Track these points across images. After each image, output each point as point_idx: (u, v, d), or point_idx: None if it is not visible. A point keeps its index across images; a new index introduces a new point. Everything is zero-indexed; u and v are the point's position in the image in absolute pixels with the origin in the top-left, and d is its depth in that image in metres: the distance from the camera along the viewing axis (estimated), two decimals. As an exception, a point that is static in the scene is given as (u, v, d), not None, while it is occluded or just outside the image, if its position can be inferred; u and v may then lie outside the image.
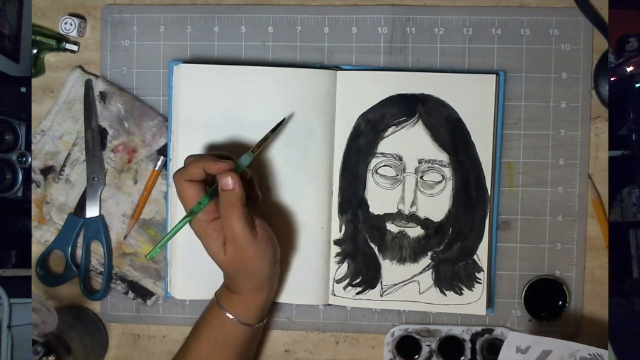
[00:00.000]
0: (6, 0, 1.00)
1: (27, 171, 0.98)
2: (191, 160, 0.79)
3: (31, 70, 0.93)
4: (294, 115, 0.88)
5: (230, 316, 0.82)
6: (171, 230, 0.80)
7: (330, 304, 0.91)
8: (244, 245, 0.77)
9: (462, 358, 0.91)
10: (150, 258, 0.82)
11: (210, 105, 0.88)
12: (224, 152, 0.81)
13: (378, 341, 0.92)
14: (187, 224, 0.79)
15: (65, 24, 0.91)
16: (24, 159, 1.00)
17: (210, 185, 0.80)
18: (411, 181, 0.89)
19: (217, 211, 0.79)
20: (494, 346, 0.90)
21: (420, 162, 0.88)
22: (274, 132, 0.84)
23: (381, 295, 0.90)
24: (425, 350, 0.91)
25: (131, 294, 0.93)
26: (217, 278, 0.85)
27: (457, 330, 0.91)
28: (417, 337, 0.91)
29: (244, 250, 0.78)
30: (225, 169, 0.77)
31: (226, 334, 0.83)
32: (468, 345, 0.91)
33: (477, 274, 0.89)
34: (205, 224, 0.79)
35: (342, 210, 0.90)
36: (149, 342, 0.94)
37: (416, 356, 0.91)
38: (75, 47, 0.92)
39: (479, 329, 0.90)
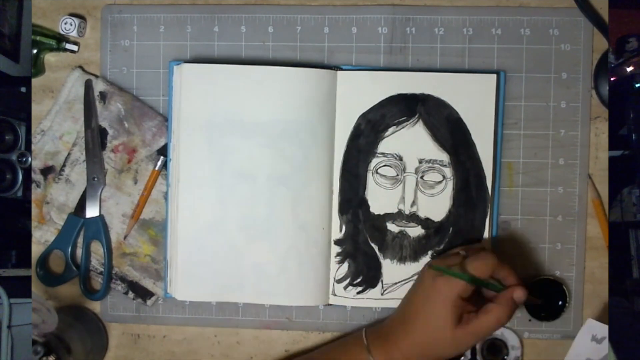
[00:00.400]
0: (6, 0, 1.00)
1: (27, 171, 0.98)
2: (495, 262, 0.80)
3: (31, 70, 0.93)
4: (295, 115, 0.88)
5: None
6: (455, 273, 0.80)
7: (331, 304, 0.91)
8: (473, 341, 0.80)
9: (462, 358, 0.91)
10: None
11: (211, 105, 0.88)
12: None
13: (378, 341, 0.92)
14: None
15: (65, 24, 0.91)
16: (24, 159, 1.00)
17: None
18: (411, 181, 0.89)
19: (471, 297, 0.80)
20: (494, 346, 0.90)
21: (420, 162, 0.88)
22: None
23: (382, 295, 0.90)
24: (425, 350, 0.91)
25: (131, 294, 0.93)
26: (218, 279, 0.86)
27: (457, 330, 0.91)
28: (417, 337, 0.91)
29: (468, 344, 0.81)
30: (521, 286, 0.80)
31: None
32: (468, 345, 0.91)
33: (477, 274, 0.89)
34: (458, 297, 0.79)
35: (342, 210, 0.90)
36: (149, 342, 0.94)
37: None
38: (75, 47, 0.92)
39: (479, 329, 0.91)
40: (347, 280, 0.90)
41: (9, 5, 1.01)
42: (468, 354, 0.90)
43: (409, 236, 0.89)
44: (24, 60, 1.02)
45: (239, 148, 0.88)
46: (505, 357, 0.90)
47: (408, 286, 0.89)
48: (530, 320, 0.90)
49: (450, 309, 0.78)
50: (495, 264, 0.80)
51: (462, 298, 0.79)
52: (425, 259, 0.89)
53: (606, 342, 0.85)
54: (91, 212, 0.92)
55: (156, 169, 0.91)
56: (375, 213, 0.89)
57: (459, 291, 0.78)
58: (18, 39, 1.03)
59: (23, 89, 1.00)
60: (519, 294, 0.79)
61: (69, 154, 0.92)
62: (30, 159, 0.95)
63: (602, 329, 0.85)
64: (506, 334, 0.90)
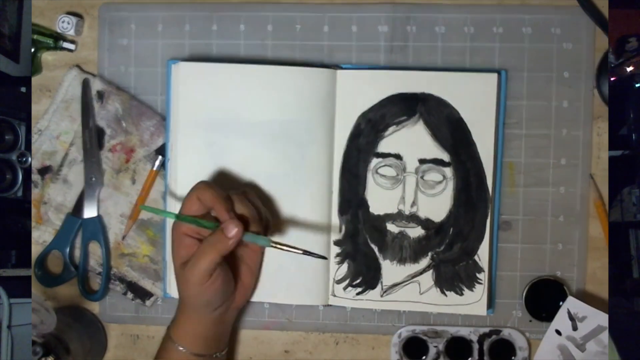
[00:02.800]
0: (6, 0, 1.00)
1: (27, 171, 0.99)
2: (210, 193, 0.79)
3: (31, 70, 0.92)
4: (294, 114, 0.87)
5: (181, 348, 0.82)
6: (160, 210, 0.84)
7: (330, 305, 0.91)
8: (197, 279, 0.78)
9: (470, 359, 0.90)
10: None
11: (209, 104, 0.88)
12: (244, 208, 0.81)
13: (378, 342, 0.92)
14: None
15: (63, 22, 0.91)
16: (24, 159, 1.00)
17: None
18: (412, 181, 0.88)
19: (197, 233, 0.80)
20: (502, 347, 0.90)
21: (420, 162, 0.88)
22: (304, 253, 0.82)
23: (381, 296, 0.90)
24: (432, 352, 0.91)
25: (130, 295, 0.93)
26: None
27: (464, 332, 0.90)
28: (424, 338, 0.90)
29: (194, 283, 0.79)
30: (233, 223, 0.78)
31: None
32: (475, 346, 0.90)
33: (477, 275, 0.89)
34: (181, 233, 0.80)
35: (342, 211, 0.90)
36: (148, 343, 0.94)
37: (423, 357, 0.91)
38: (72, 46, 0.92)
39: (486, 330, 0.90)
40: (347, 281, 0.90)
41: (9, 5, 1.01)
42: (475, 354, 0.90)
43: (409, 237, 0.89)
44: (23, 60, 1.03)
45: (238, 147, 0.88)
46: (513, 357, 0.90)
47: (407, 288, 0.89)
48: (531, 321, 0.90)
49: (177, 248, 0.81)
50: (207, 199, 0.79)
51: (192, 236, 0.80)
52: (426, 260, 0.89)
53: (587, 321, 0.86)
54: (89, 212, 0.91)
55: (154, 168, 0.91)
56: (375, 213, 0.89)
57: (180, 229, 0.80)
58: (18, 38, 1.03)
59: (23, 89, 1.00)
60: (230, 228, 0.77)
61: (66, 154, 0.92)
62: (30, 158, 0.95)
63: (583, 308, 0.86)
64: (514, 335, 0.90)
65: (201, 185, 0.80)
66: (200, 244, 0.79)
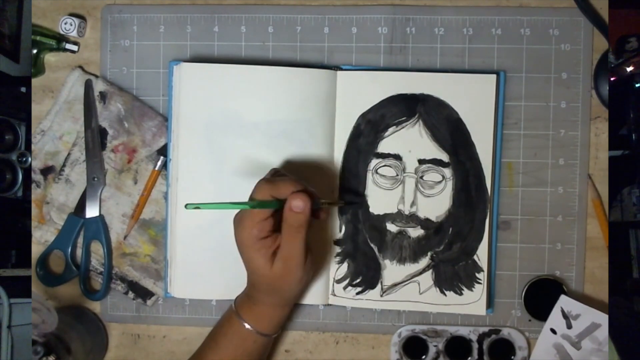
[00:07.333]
0: (6, 0, 1.00)
1: (27, 171, 0.99)
2: (262, 185, 0.78)
3: (31, 70, 0.93)
4: (294, 115, 0.88)
5: (249, 327, 0.83)
6: (224, 203, 0.79)
7: (330, 304, 0.91)
8: (294, 266, 0.79)
9: (469, 358, 0.91)
10: (189, 208, 0.76)
11: (210, 105, 0.88)
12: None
13: (378, 341, 0.92)
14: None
15: (65, 24, 0.91)
16: (24, 159, 1.00)
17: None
18: (411, 181, 0.89)
19: (270, 229, 0.78)
20: (501, 347, 0.90)
21: (420, 162, 0.88)
22: (345, 204, 0.88)
23: (381, 296, 0.90)
24: (432, 351, 0.91)
25: (131, 294, 0.93)
26: (216, 278, 0.86)
27: (464, 331, 0.91)
28: (424, 337, 0.91)
29: (293, 271, 0.79)
30: (297, 189, 0.77)
31: (246, 347, 0.83)
32: (475, 345, 0.91)
33: (477, 274, 0.89)
34: (256, 239, 0.78)
35: (342, 210, 0.90)
36: (149, 342, 0.94)
37: (423, 356, 0.91)
38: (75, 47, 0.92)
39: (485, 329, 0.90)
40: (347, 281, 0.90)
41: (9, 5, 1.01)
42: (475, 354, 0.90)
43: (409, 236, 0.89)
44: (24, 60, 1.03)
45: (239, 148, 0.88)
46: (513, 357, 0.90)
47: (407, 288, 0.89)
48: (530, 321, 0.90)
49: (255, 248, 0.78)
50: (265, 181, 0.78)
51: (266, 235, 0.78)
52: (425, 260, 0.89)
53: (581, 319, 0.87)
54: (91, 212, 0.92)
55: (156, 169, 0.91)
56: (375, 213, 0.89)
57: (252, 228, 0.77)
58: (18, 39, 1.03)
59: (23, 89, 1.00)
60: (295, 202, 0.76)
61: (69, 154, 0.92)
62: (30, 159, 0.95)
63: (576, 307, 0.87)
64: (513, 335, 0.90)
65: (258, 186, 0.79)
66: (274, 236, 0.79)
